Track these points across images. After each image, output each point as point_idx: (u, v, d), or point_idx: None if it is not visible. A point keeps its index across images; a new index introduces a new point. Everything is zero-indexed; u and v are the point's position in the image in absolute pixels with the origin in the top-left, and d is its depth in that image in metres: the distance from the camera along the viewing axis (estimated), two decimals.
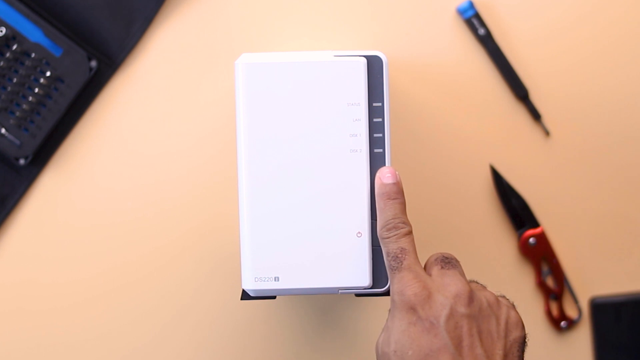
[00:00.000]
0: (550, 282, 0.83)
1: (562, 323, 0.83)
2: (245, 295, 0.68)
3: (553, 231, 0.83)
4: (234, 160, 0.68)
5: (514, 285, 0.83)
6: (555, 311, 0.83)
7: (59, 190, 0.81)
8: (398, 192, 0.67)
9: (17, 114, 0.79)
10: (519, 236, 0.82)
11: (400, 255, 0.64)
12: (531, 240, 0.82)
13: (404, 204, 0.67)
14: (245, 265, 0.67)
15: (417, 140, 0.82)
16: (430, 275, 0.65)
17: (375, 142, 0.68)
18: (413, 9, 0.81)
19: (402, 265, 0.64)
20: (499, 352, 0.62)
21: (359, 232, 0.68)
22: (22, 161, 0.79)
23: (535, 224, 0.82)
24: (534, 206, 0.82)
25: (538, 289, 0.83)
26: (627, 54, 0.82)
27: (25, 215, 0.81)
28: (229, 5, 0.81)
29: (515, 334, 0.63)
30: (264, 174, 0.67)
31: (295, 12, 0.81)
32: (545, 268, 0.83)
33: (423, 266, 0.65)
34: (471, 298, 0.62)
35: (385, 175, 0.66)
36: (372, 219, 0.67)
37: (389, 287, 0.67)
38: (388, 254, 0.65)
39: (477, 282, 0.66)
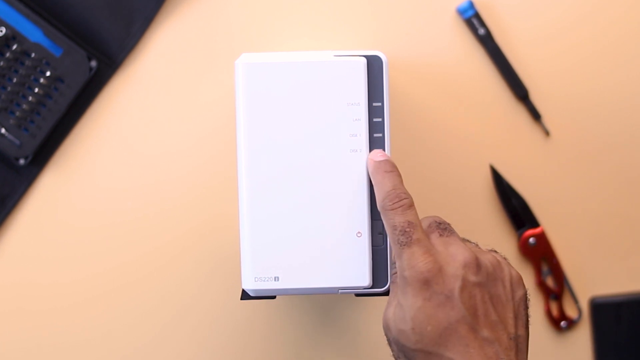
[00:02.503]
0: (550, 282, 0.83)
1: (562, 323, 0.83)
2: (245, 295, 0.68)
3: (553, 231, 0.83)
4: (234, 160, 0.68)
5: None
6: (555, 311, 0.83)
7: (59, 190, 0.81)
8: (393, 166, 0.66)
9: (17, 114, 0.79)
10: (519, 236, 0.82)
11: (408, 229, 0.63)
12: (531, 240, 0.82)
13: (400, 176, 0.66)
14: (245, 265, 0.67)
15: (417, 140, 0.82)
16: (431, 237, 0.65)
17: (375, 142, 0.68)
18: (413, 9, 0.81)
19: (412, 240, 0.63)
20: (510, 315, 0.63)
21: (358, 232, 0.67)
22: (22, 161, 0.79)
23: (535, 224, 0.82)
24: (534, 206, 0.82)
25: (538, 289, 0.83)
26: (627, 54, 0.82)
27: (25, 215, 0.81)
28: (229, 5, 0.80)
29: (519, 293, 0.64)
30: (264, 174, 0.67)
31: (295, 12, 0.81)
32: (545, 268, 0.83)
33: None
34: (479, 265, 0.62)
35: (376, 155, 0.66)
36: (372, 219, 0.67)
37: (389, 287, 0.66)
38: (395, 227, 0.64)
39: (470, 242, 0.66)
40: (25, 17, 0.78)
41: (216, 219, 0.81)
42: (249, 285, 0.67)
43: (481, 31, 0.81)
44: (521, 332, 0.63)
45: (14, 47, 0.78)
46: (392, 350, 0.65)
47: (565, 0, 0.82)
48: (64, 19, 0.80)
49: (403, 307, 0.63)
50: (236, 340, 0.81)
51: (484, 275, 0.62)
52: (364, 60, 0.67)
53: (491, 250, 0.66)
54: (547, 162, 0.82)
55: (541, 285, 0.82)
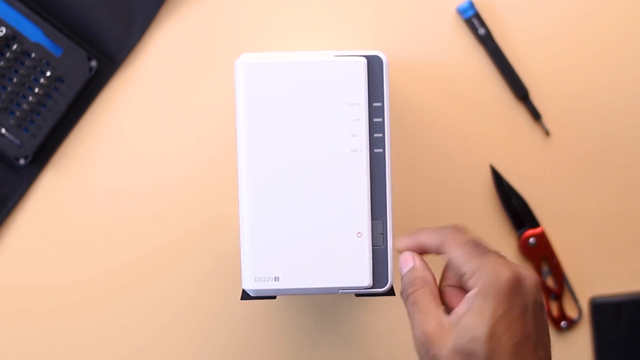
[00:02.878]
0: (550, 282, 0.83)
1: (562, 323, 0.83)
2: (245, 295, 0.68)
3: (553, 231, 0.83)
4: (234, 160, 0.68)
5: None
6: (555, 311, 0.83)
7: (59, 190, 0.81)
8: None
9: (17, 114, 0.79)
10: (519, 236, 0.82)
11: (481, 241, 0.64)
12: (531, 240, 0.82)
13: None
14: (245, 265, 0.67)
15: (417, 140, 0.82)
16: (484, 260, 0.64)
17: (375, 142, 0.68)
18: (413, 9, 0.81)
19: (490, 249, 0.64)
20: (547, 328, 0.64)
21: (359, 232, 0.67)
22: (22, 161, 0.79)
23: (535, 224, 0.82)
24: (534, 206, 0.82)
25: None
26: (627, 53, 0.82)
27: (25, 215, 0.81)
28: (229, 5, 0.81)
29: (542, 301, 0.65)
30: (264, 174, 0.67)
31: (295, 12, 0.81)
32: (545, 268, 0.83)
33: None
34: (538, 286, 0.63)
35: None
36: (372, 219, 0.67)
37: (389, 287, 0.66)
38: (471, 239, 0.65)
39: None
40: (25, 17, 0.79)
41: (216, 219, 0.81)
42: (249, 285, 0.67)
43: (481, 31, 0.81)
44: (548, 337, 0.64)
45: (14, 47, 0.78)
46: None
47: (565, 0, 0.82)
48: (64, 19, 0.80)
49: (483, 314, 0.62)
50: (236, 340, 0.82)
51: (541, 299, 0.64)
52: (364, 60, 0.67)
53: (496, 252, 0.66)
54: (547, 162, 0.83)
55: (541, 285, 0.79)
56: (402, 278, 0.67)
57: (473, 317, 0.62)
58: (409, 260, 0.67)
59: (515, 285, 0.62)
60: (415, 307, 0.65)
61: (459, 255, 0.65)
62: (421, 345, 0.64)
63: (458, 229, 0.65)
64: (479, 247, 0.64)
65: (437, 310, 0.64)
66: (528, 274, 0.64)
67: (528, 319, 0.62)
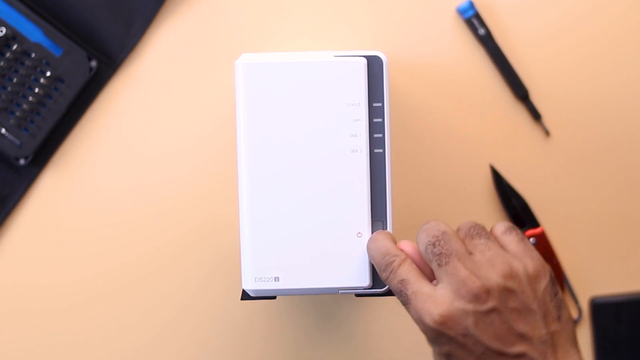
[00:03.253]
0: None
1: None
2: (245, 296, 0.69)
3: (553, 231, 0.83)
4: (234, 160, 0.69)
5: None
6: None
7: (59, 190, 0.82)
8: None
9: (17, 114, 0.79)
10: None
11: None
12: (531, 240, 0.82)
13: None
14: (245, 266, 0.68)
15: (417, 140, 0.82)
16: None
17: (375, 142, 0.68)
18: (413, 9, 0.82)
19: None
20: (535, 318, 0.62)
21: (359, 233, 0.68)
22: (22, 161, 0.80)
23: (535, 224, 0.82)
24: (534, 206, 0.82)
25: None
26: (628, 53, 0.82)
27: (25, 215, 0.82)
28: (229, 5, 0.81)
29: (541, 286, 0.63)
30: (264, 174, 0.68)
31: (295, 13, 0.81)
32: None
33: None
34: (488, 292, 0.61)
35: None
36: (372, 219, 0.67)
37: (389, 287, 0.66)
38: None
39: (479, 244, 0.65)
40: (25, 17, 0.79)
41: (216, 219, 0.82)
42: (249, 286, 0.68)
43: (481, 31, 0.81)
44: (554, 327, 0.62)
45: (14, 47, 0.79)
46: (460, 342, 0.62)
47: (565, 1, 0.82)
48: (64, 19, 0.80)
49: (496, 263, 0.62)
50: (236, 340, 0.82)
51: (496, 297, 0.61)
52: (364, 60, 0.68)
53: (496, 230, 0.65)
54: (547, 162, 0.83)
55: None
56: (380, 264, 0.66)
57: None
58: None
59: (440, 325, 0.60)
60: (407, 286, 0.64)
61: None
62: (431, 331, 0.63)
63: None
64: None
65: (430, 289, 0.63)
66: (457, 295, 0.61)
67: (472, 342, 0.61)
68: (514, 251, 0.64)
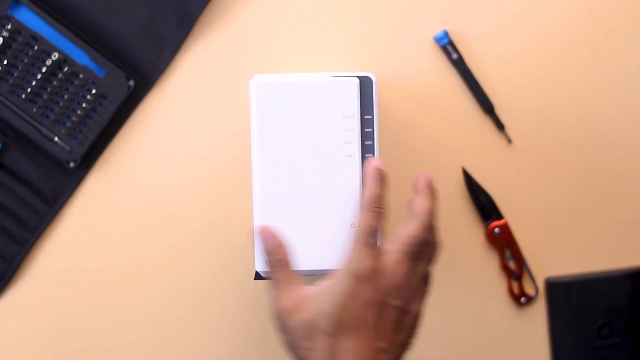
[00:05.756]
0: (512, 265, 0.85)
1: (522, 299, 0.85)
2: (257, 276, 0.70)
3: (515, 222, 0.85)
4: (248, 163, 0.70)
5: (482, 267, 0.85)
6: (516, 289, 0.85)
7: (103, 188, 0.83)
8: (385, 178, 0.68)
9: (68, 124, 0.81)
10: (486, 227, 0.84)
11: (371, 233, 0.64)
12: (496, 230, 0.84)
13: (386, 189, 0.67)
14: (258, 251, 0.70)
15: (400, 147, 0.83)
16: (386, 250, 0.64)
17: (366, 149, 0.69)
18: (397, 38, 0.83)
19: (368, 242, 0.64)
20: (403, 341, 0.65)
21: (352, 224, 0.70)
22: (72, 164, 0.81)
23: (499, 216, 0.84)
24: (498, 202, 0.84)
25: (502, 270, 0.85)
26: (576, 75, 0.84)
27: (74, 209, 0.83)
28: (243, 35, 0.83)
29: (414, 329, 0.65)
30: (274, 175, 0.69)
31: (299, 41, 0.83)
32: (507, 253, 0.84)
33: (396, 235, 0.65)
34: (402, 292, 0.64)
35: (376, 162, 0.67)
36: None
37: None
38: (364, 224, 0.64)
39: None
40: (74, 44, 0.81)
41: (234, 214, 0.82)
42: (261, 267, 0.70)
43: (454, 56, 0.83)
44: (398, 339, 0.64)
45: (65, 69, 0.81)
46: (292, 335, 0.63)
47: (524, 30, 0.83)
48: (106, 46, 0.82)
49: (333, 291, 0.63)
50: (249, 316, 0.83)
51: (401, 303, 0.63)
52: (357, 80, 0.69)
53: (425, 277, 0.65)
54: (509, 165, 0.84)
55: (504, 267, 0.84)
56: (265, 254, 0.67)
57: (325, 294, 0.63)
58: (270, 237, 0.67)
59: (370, 276, 0.62)
60: (273, 283, 0.66)
61: (353, 232, 0.65)
62: (277, 319, 0.64)
63: (380, 215, 0.64)
64: (366, 235, 0.63)
65: (292, 287, 0.65)
66: (391, 274, 0.63)
67: (373, 311, 0.62)
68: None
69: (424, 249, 0.66)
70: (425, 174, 0.68)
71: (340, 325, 0.62)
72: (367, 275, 0.63)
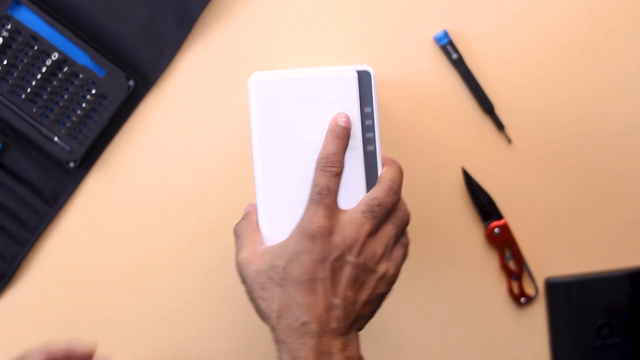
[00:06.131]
0: (511, 265, 0.85)
1: (522, 299, 0.85)
2: None
3: (514, 222, 0.85)
4: (250, 160, 0.70)
5: (482, 267, 0.85)
6: (516, 289, 0.85)
7: (103, 188, 0.83)
8: (346, 135, 0.67)
9: (68, 124, 0.81)
10: (486, 227, 0.84)
11: (324, 192, 0.65)
12: (496, 230, 0.84)
13: (346, 145, 0.67)
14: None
15: (400, 146, 0.83)
16: (345, 211, 0.65)
17: (368, 141, 0.69)
18: (397, 38, 0.83)
19: (322, 202, 0.65)
20: (362, 299, 0.65)
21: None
22: (71, 164, 0.81)
23: (499, 216, 0.84)
24: (498, 202, 0.84)
25: (501, 270, 0.85)
26: (576, 74, 0.84)
27: (75, 210, 0.83)
28: (244, 35, 0.83)
29: (381, 290, 0.66)
30: (276, 172, 0.68)
31: (299, 42, 0.83)
32: (507, 253, 0.85)
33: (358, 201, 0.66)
34: (361, 250, 0.65)
35: (340, 118, 0.67)
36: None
37: None
38: (317, 185, 0.66)
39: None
40: (74, 44, 0.81)
41: (234, 213, 0.78)
42: None
43: (454, 56, 0.83)
44: (356, 296, 0.65)
45: (65, 69, 0.80)
46: (248, 284, 0.65)
47: (523, 30, 0.83)
48: (106, 45, 0.82)
49: (287, 246, 0.65)
50: (251, 314, 0.77)
51: (360, 260, 0.64)
52: (355, 73, 0.69)
53: (400, 237, 0.66)
54: (509, 165, 0.84)
55: (504, 267, 0.85)
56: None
57: (278, 249, 0.65)
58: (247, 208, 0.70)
59: (322, 234, 0.63)
60: (237, 239, 0.68)
61: (309, 193, 0.66)
62: (237, 269, 0.67)
63: (332, 174, 0.65)
64: (320, 194, 0.65)
65: (254, 242, 0.67)
66: (347, 233, 0.64)
67: (325, 267, 0.64)
68: None
69: (388, 213, 0.67)
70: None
71: (289, 277, 0.64)
72: (318, 233, 0.64)
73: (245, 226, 0.68)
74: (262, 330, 0.68)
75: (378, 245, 0.66)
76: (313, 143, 0.68)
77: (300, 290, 0.64)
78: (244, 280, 0.66)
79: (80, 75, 0.81)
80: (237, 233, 0.69)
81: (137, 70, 0.83)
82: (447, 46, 0.83)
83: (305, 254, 0.64)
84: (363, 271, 0.66)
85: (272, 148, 0.69)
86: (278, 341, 0.64)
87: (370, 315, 0.67)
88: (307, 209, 0.65)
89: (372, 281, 0.66)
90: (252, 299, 0.66)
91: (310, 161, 0.68)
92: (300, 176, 0.68)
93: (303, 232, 0.65)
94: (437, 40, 0.84)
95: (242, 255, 0.67)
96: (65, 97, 0.82)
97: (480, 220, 0.86)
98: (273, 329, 0.65)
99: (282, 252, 0.65)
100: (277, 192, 0.69)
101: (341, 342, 0.64)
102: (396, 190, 0.67)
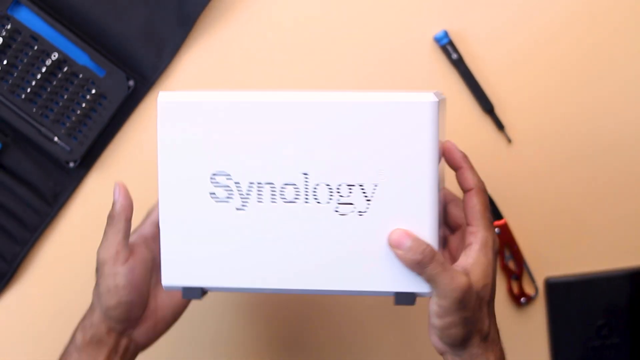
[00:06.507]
0: (511, 265, 0.85)
1: (522, 299, 0.85)
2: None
3: (514, 223, 0.85)
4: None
5: None
6: (516, 289, 0.85)
7: (103, 189, 0.83)
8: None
9: (68, 124, 0.81)
10: None
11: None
12: (496, 230, 0.83)
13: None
14: None
15: None
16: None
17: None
18: (398, 38, 0.84)
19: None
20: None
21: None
22: (71, 164, 0.82)
23: (499, 216, 0.84)
24: (498, 202, 0.85)
25: (501, 270, 0.85)
26: (575, 75, 0.85)
27: (75, 210, 0.84)
28: (244, 35, 0.83)
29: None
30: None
31: (299, 41, 0.84)
32: (507, 253, 0.85)
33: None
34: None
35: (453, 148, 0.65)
36: None
37: None
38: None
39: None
40: (74, 44, 0.81)
41: None
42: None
43: (454, 56, 0.83)
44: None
45: (65, 69, 0.81)
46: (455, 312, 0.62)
47: (523, 30, 0.84)
48: (106, 46, 0.82)
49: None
50: (252, 312, 0.84)
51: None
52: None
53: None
54: (509, 165, 0.85)
55: (504, 267, 0.85)
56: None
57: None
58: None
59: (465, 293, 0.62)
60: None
61: None
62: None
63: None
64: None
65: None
66: (485, 277, 0.63)
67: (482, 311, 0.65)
68: None
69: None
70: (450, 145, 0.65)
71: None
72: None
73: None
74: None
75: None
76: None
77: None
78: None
79: (80, 75, 0.82)
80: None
81: (137, 70, 0.83)
82: (447, 46, 0.84)
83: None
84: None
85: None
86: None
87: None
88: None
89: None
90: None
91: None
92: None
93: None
94: (437, 40, 0.84)
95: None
96: (65, 97, 0.82)
97: None
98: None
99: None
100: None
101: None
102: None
